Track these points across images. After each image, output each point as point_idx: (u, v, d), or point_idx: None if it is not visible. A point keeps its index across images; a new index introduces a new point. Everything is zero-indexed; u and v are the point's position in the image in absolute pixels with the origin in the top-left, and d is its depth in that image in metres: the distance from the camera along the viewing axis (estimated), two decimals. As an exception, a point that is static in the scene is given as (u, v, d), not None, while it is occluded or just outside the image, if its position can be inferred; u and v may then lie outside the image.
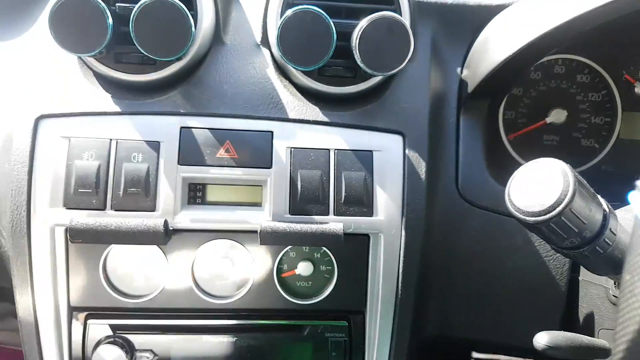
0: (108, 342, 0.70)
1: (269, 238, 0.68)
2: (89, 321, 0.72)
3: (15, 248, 0.67)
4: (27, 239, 0.67)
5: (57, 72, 0.71)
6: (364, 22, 0.67)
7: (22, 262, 0.68)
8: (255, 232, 0.69)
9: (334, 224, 0.69)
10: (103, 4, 0.63)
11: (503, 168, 0.92)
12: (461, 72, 0.82)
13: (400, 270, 0.73)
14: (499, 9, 0.81)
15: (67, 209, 0.67)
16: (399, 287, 0.74)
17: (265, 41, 0.76)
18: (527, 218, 0.48)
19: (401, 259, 0.73)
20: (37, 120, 0.68)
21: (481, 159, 0.79)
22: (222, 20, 0.75)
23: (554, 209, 0.46)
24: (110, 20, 0.63)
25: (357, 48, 0.67)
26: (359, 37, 0.66)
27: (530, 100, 0.99)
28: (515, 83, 0.95)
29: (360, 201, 0.71)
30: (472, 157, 0.78)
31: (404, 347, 0.77)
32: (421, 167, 0.74)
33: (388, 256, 0.73)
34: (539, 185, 0.49)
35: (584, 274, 0.74)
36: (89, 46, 0.64)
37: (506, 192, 0.53)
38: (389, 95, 0.76)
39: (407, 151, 0.73)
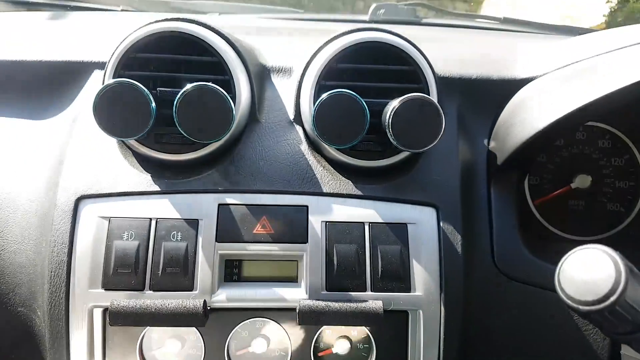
0: None
1: (308, 317, 0.67)
2: None
3: (52, 330, 0.67)
4: (65, 321, 0.67)
5: (97, 152, 0.73)
6: (396, 103, 0.69)
7: (59, 345, 0.67)
8: (292, 309, 0.68)
9: (373, 302, 0.68)
10: (146, 90, 0.66)
11: (530, 233, 0.92)
12: (488, 144, 0.83)
13: (441, 348, 0.72)
14: (523, 82, 0.83)
15: (105, 290, 0.67)
16: None
17: (298, 119, 0.78)
18: (580, 307, 0.48)
19: (441, 335, 0.72)
20: (78, 201, 0.70)
21: (515, 230, 0.79)
22: (257, 99, 0.78)
23: (608, 299, 0.46)
24: (153, 105, 0.66)
25: (390, 127, 0.69)
26: (391, 117, 0.69)
27: (555, 166, 1.00)
28: (543, 152, 0.96)
29: (397, 276, 0.71)
30: (505, 227, 0.78)
31: None
32: (457, 240, 0.74)
33: (428, 332, 0.72)
34: (589, 273, 0.49)
35: (626, 349, 0.73)
36: (132, 131, 0.66)
37: (556, 278, 0.53)
38: (420, 168, 0.77)
39: (441, 224, 0.74)
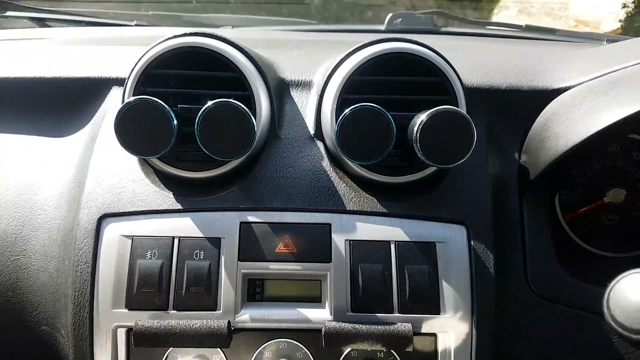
0: None
1: (334, 340, 0.65)
2: None
3: (76, 350, 0.66)
4: (89, 341, 0.66)
5: (118, 170, 0.72)
6: (423, 116, 0.66)
7: None
8: (316, 330, 0.66)
9: (402, 324, 0.66)
10: (168, 107, 0.64)
11: (561, 250, 0.88)
12: (519, 158, 0.80)
13: None
14: (555, 93, 0.80)
15: (129, 309, 0.66)
16: None
17: (319, 134, 0.76)
18: (633, 336, 0.44)
19: (473, 359, 0.68)
20: (100, 220, 0.69)
21: (550, 248, 0.75)
22: (277, 115, 0.76)
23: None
24: (175, 123, 0.64)
25: (417, 141, 0.66)
26: (419, 131, 0.66)
27: (586, 180, 0.96)
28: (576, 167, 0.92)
29: (426, 297, 0.68)
30: (539, 245, 0.75)
31: None
32: (489, 260, 0.70)
33: (458, 356, 0.69)
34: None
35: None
36: (154, 149, 0.65)
37: (604, 303, 0.49)
38: (448, 183, 0.74)
39: (472, 242, 0.71)
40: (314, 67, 0.83)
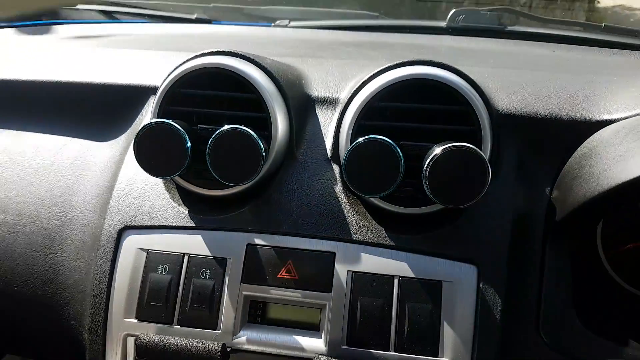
0: None
1: None
2: None
3: (91, 352, 0.73)
4: (102, 345, 0.72)
5: (143, 183, 0.77)
6: (437, 151, 0.63)
7: None
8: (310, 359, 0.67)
9: None
10: (183, 129, 0.67)
11: (595, 290, 0.82)
12: (551, 193, 0.74)
13: None
14: (598, 125, 0.73)
15: (139, 320, 0.70)
16: None
17: (335, 157, 0.76)
18: None
19: None
20: (121, 231, 0.74)
21: (569, 297, 0.70)
22: (297, 134, 0.76)
23: None
24: (189, 145, 0.67)
25: (427, 177, 0.63)
26: (429, 167, 0.63)
27: (635, 215, 0.88)
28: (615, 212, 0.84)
29: (424, 338, 0.66)
30: (557, 295, 0.70)
31: None
32: (496, 305, 0.67)
33: None
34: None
35: None
36: (169, 170, 0.68)
37: None
38: (464, 219, 0.71)
39: (481, 285, 0.68)
40: (342, 83, 0.82)
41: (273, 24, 1.35)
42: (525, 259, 0.71)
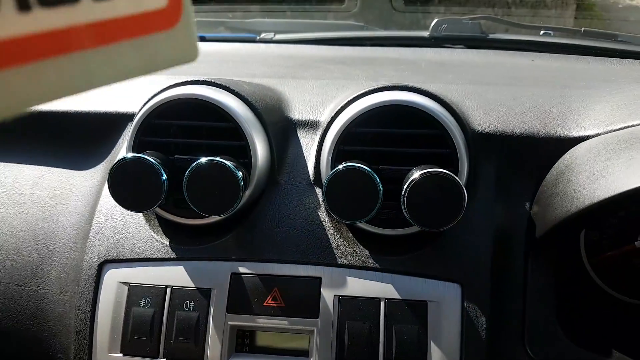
0: None
1: None
2: None
3: None
4: None
5: (121, 214, 0.76)
6: (415, 176, 0.64)
7: None
8: None
9: None
10: (158, 163, 0.67)
11: (580, 300, 0.83)
12: (530, 209, 0.76)
13: None
14: (573, 141, 0.74)
15: (124, 355, 0.70)
16: None
17: (318, 181, 0.76)
18: None
19: None
20: (101, 265, 0.73)
21: (553, 311, 0.71)
22: (278, 159, 0.77)
23: None
24: (164, 178, 0.67)
25: (405, 202, 0.65)
26: (407, 192, 0.64)
27: (618, 221, 0.89)
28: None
29: (412, 358, 0.67)
30: (541, 309, 0.71)
31: None
32: (481, 322, 0.68)
33: None
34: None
35: None
36: (145, 204, 0.68)
37: None
38: (446, 238, 0.72)
39: (465, 303, 0.69)
40: (323, 105, 0.82)
41: (258, 37, 1.35)
42: (508, 275, 0.72)
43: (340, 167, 0.66)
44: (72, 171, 0.86)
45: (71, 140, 0.88)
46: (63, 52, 0.21)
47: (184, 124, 0.73)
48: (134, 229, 0.75)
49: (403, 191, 0.65)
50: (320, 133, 0.76)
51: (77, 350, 0.72)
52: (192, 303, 0.70)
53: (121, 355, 0.70)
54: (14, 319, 0.78)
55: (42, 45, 0.20)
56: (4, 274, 0.79)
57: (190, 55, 0.27)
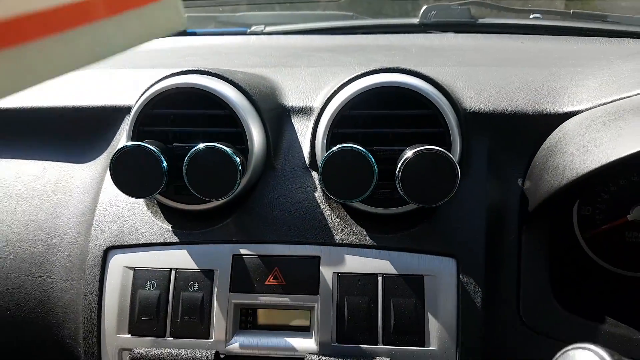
0: None
1: None
2: None
3: None
4: None
5: (124, 202, 0.78)
6: (408, 154, 0.66)
7: None
8: (302, 359, 0.70)
9: (380, 358, 0.68)
10: (158, 150, 0.69)
11: (573, 271, 0.85)
12: (522, 184, 0.77)
13: None
14: (563, 118, 0.76)
15: (132, 335, 0.73)
16: None
17: (313, 164, 0.78)
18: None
19: None
20: (106, 252, 0.75)
21: (546, 281, 0.73)
22: (273, 145, 0.78)
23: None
24: (165, 165, 0.69)
25: (399, 180, 0.67)
26: (401, 170, 0.66)
27: (610, 196, 0.91)
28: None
29: (410, 330, 0.69)
30: (535, 278, 0.73)
31: None
32: (477, 294, 0.70)
33: None
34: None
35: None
36: (147, 190, 0.70)
37: None
38: (441, 215, 0.74)
39: (460, 276, 0.71)
40: (315, 92, 0.84)
41: (249, 30, 1.36)
42: (502, 248, 0.74)
43: (335, 148, 0.68)
44: (73, 164, 0.88)
45: (70, 135, 0.90)
46: (84, 22, 0.23)
47: (181, 113, 0.75)
48: (137, 216, 0.77)
49: (397, 169, 0.66)
50: (314, 118, 0.78)
51: (86, 333, 0.74)
52: (196, 284, 0.72)
53: (129, 335, 0.73)
54: (23, 307, 0.80)
55: (65, 17, 0.22)
56: (11, 265, 0.81)
57: (179, 23, 0.29)
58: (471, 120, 0.77)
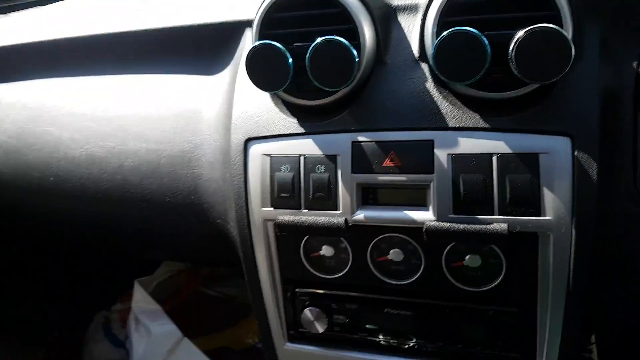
0: (312, 305, 0.91)
1: (434, 236, 0.76)
2: (297, 290, 0.92)
3: (241, 237, 0.91)
4: (248, 230, 0.89)
5: (256, 101, 0.89)
6: (520, 34, 0.67)
7: (246, 247, 0.91)
8: (421, 228, 0.77)
9: (498, 224, 0.73)
10: (284, 47, 0.77)
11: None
12: (637, 67, 0.75)
13: (571, 268, 0.74)
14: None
15: (274, 208, 0.86)
16: (570, 283, 0.75)
17: (423, 57, 0.81)
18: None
19: (572, 257, 0.74)
20: (247, 142, 0.88)
21: None
22: (383, 42, 0.83)
23: None
24: (290, 61, 0.77)
25: (513, 59, 0.68)
26: (515, 49, 0.67)
27: None
28: None
29: (526, 202, 0.73)
30: None
31: (576, 337, 0.79)
32: (592, 168, 0.72)
33: (558, 254, 0.74)
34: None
35: None
36: (277, 84, 0.79)
37: None
38: (554, 97, 0.74)
39: (576, 153, 0.72)
40: None
41: None
42: (617, 129, 0.74)
43: (445, 33, 0.70)
44: (203, 76, 1.00)
45: (196, 52, 1.01)
46: None
47: (299, 14, 0.81)
48: (267, 113, 0.87)
49: (510, 48, 0.67)
50: (422, 10, 0.79)
51: (238, 209, 0.89)
52: (322, 167, 0.82)
53: (272, 209, 0.86)
54: (178, 195, 0.97)
55: None
56: (166, 161, 0.97)
57: None
58: (582, 3, 0.75)
